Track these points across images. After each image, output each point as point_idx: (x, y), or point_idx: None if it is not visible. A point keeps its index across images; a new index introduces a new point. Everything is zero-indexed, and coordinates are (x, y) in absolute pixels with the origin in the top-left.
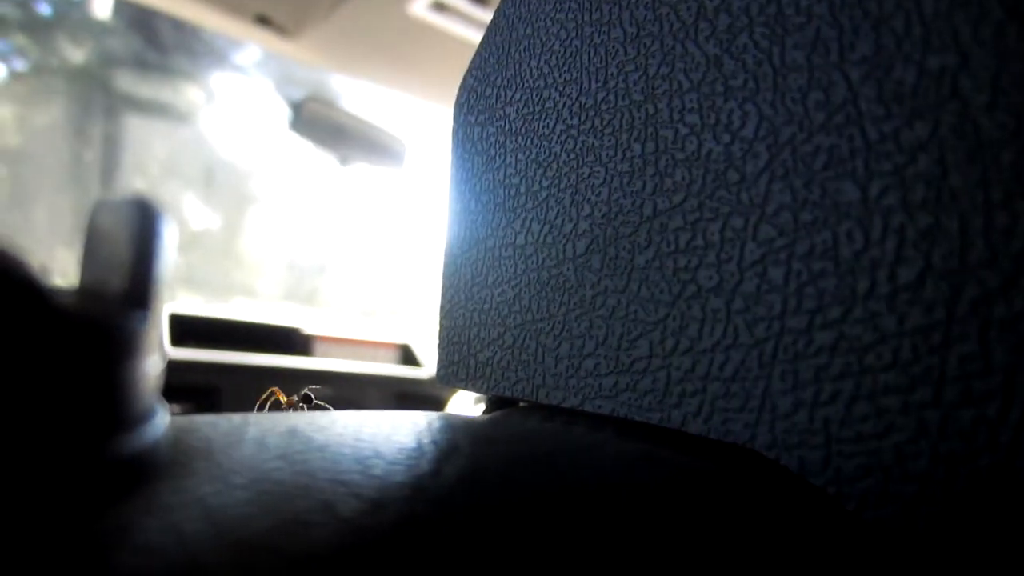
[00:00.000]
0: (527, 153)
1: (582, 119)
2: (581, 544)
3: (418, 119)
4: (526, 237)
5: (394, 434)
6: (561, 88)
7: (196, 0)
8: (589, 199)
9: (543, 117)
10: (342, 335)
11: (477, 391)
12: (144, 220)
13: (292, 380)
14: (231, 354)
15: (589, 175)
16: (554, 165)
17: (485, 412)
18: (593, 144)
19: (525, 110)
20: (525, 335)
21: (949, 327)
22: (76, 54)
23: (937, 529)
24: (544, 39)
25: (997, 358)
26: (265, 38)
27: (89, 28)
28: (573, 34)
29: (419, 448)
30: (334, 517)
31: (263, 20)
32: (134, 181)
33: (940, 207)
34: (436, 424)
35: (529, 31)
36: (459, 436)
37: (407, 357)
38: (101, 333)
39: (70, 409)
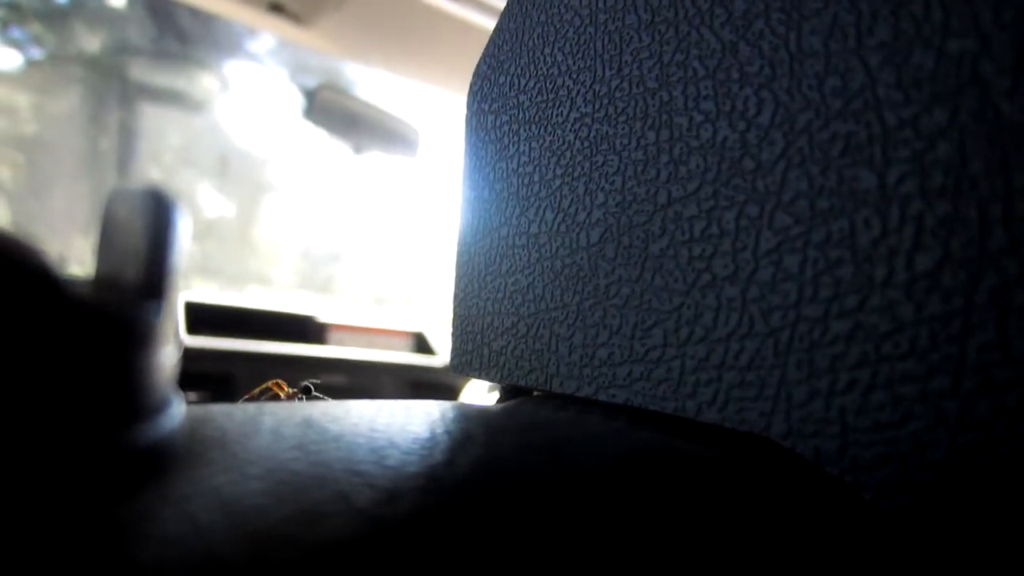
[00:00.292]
0: (540, 141)
1: (596, 107)
2: (594, 533)
3: (432, 107)
4: (540, 226)
5: (408, 424)
6: (575, 76)
7: None
8: (603, 187)
9: (557, 105)
10: (356, 323)
11: (491, 380)
12: (159, 209)
13: (306, 368)
14: (246, 342)
15: (603, 163)
16: (568, 153)
17: (499, 401)
18: (607, 132)
19: (539, 98)
20: (539, 324)
21: (968, 315)
22: (92, 42)
23: (955, 518)
24: (558, 26)
25: (1016, 347)
26: (279, 26)
27: (105, 16)
28: (587, 21)
29: (433, 438)
30: (349, 507)
31: (276, 8)
32: (149, 170)
33: (959, 194)
34: (450, 414)
35: (543, 18)
36: (473, 426)
37: (421, 345)
38: (117, 323)
39: (86, 399)
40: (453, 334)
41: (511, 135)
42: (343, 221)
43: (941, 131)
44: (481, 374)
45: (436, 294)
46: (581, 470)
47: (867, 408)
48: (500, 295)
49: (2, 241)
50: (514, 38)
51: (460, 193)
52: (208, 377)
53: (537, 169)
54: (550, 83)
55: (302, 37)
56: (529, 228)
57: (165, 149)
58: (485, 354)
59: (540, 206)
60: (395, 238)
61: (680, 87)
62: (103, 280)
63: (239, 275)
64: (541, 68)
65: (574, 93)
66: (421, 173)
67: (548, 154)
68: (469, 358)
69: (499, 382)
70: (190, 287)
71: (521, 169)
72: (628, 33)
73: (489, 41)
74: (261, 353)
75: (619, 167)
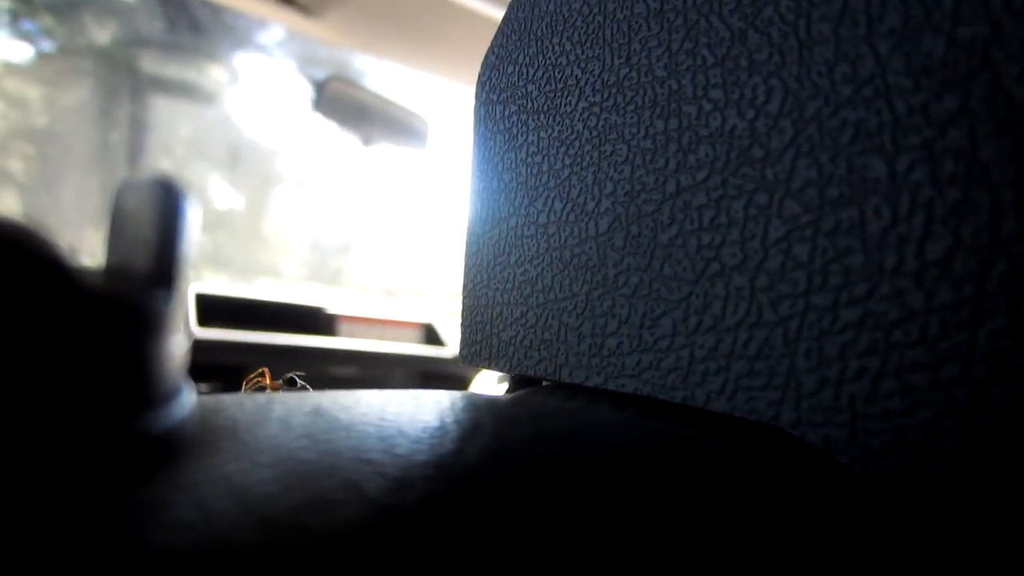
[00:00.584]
0: (549, 131)
1: (604, 96)
2: (603, 522)
3: (441, 98)
4: (548, 216)
5: (418, 413)
6: (583, 65)
7: None
8: (612, 177)
9: (565, 94)
10: (366, 314)
11: (500, 370)
12: (168, 200)
13: (316, 360)
14: (256, 334)
15: (612, 153)
16: (576, 143)
17: (508, 391)
18: (616, 121)
19: (547, 87)
20: (548, 314)
21: (978, 303)
22: (102, 35)
23: (965, 507)
24: (566, 15)
25: None
26: (288, 17)
27: (115, 9)
28: (596, 9)
29: (442, 427)
30: (359, 495)
31: None
32: (160, 162)
33: (970, 181)
34: (459, 403)
35: (551, 7)
36: (482, 415)
37: (430, 336)
38: (127, 312)
39: (98, 388)
40: (462, 324)
41: (520, 125)
42: (352, 213)
43: (952, 118)
44: (490, 364)
45: (445, 285)
46: (590, 459)
47: (877, 396)
48: (509, 285)
49: (15, 232)
50: (523, 27)
51: (469, 184)
52: (218, 368)
53: (546, 159)
54: (559, 72)
55: (311, 28)
56: (538, 218)
57: (175, 141)
58: (494, 344)
59: (549, 196)
60: (404, 230)
61: (689, 75)
62: (114, 270)
63: (249, 267)
64: (550, 57)
65: (583, 82)
66: (430, 164)
67: (557, 144)
68: (478, 348)
69: (508, 372)
70: (200, 279)
71: (530, 159)
72: (637, 22)
73: (498, 31)
74: (271, 345)
75: (628, 156)
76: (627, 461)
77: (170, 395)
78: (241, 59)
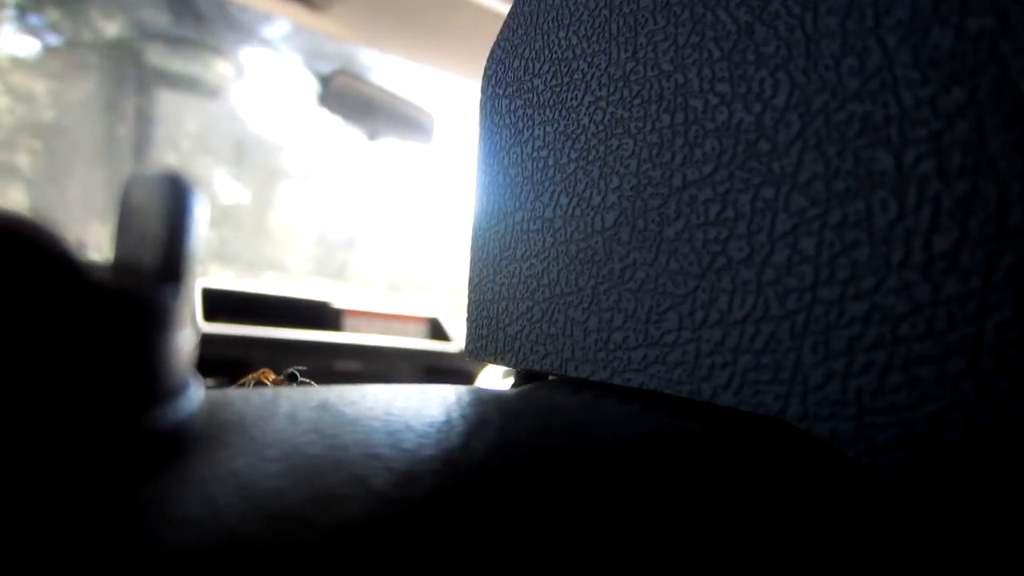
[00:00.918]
0: (555, 125)
1: (611, 90)
2: (610, 516)
3: (446, 93)
4: (554, 210)
5: (424, 408)
6: (590, 59)
7: None
8: (618, 171)
9: (571, 89)
10: (371, 309)
11: (506, 365)
12: (176, 195)
13: (322, 354)
14: (262, 328)
15: (618, 147)
16: (582, 137)
17: (514, 386)
18: (622, 115)
19: (553, 82)
20: (554, 308)
21: (985, 296)
22: (109, 29)
23: (972, 500)
24: (573, 9)
25: None
26: (293, 11)
27: (121, 3)
28: (602, 3)
29: (449, 422)
30: (366, 490)
31: None
32: (166, 156)
33: (977, 174)
34: (465, 398)
35: (557, 1)
36: (488, 409)
37: (436, 331)
38: (135, 306)
39: (106, 383)
40: (468, 319)
41: (525, 119)
42: (358, 208)
43: (959, 111)
44: (496, 359)
45: (451, 280)
46: (596, 453)
47: (883, 390)
48: (515, 280)
49: (23, 226)
50: (528, 21)
51: (474, 178)
52: (225, 363)
53: (552, 153)
54: (564, 66)
55: (317, 23)
56: (544, 212)
57: (181, 135)
58: (500, 339)
59: (555, 190)
60: (410, 224)
61: (695, 69)
62: (121, 265)
63: (255, 261)
64: (556, 51)
65: (589, 76)
66: (436, 159)
67: (563, 138)
68: (484, 343)
69: (514, 367)
70: (207, 274)
71: (536, 153)
72: (643, 15)
73: (503, 25)
74: (277, 339)
75: (634, 150)
76: (633, 456)
77: (178, 390)
78: (247, 53)
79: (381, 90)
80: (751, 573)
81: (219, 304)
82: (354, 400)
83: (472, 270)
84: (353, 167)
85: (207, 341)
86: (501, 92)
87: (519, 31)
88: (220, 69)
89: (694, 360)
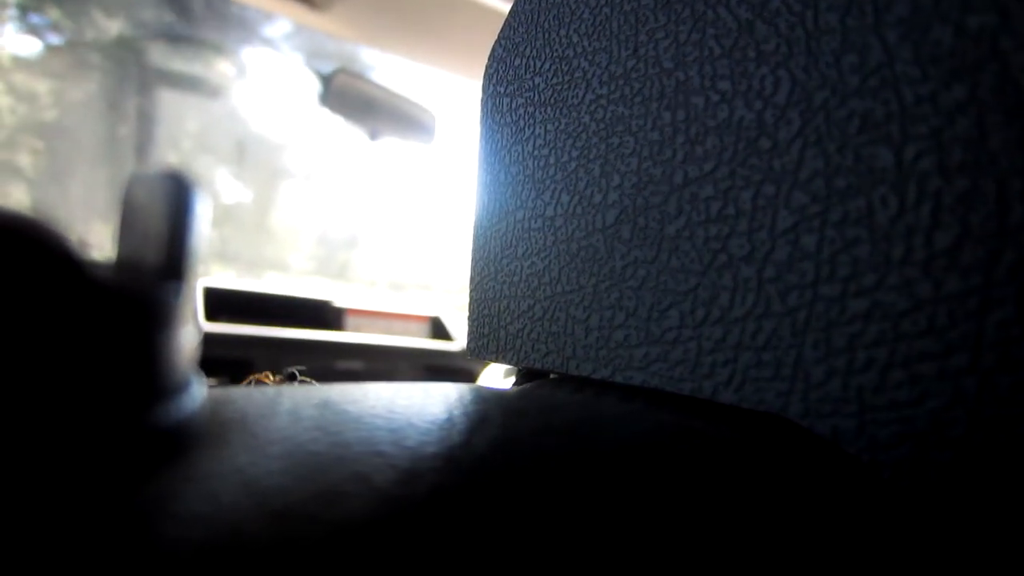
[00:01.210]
0: (556, 124)
1: (612, 88)
2: (612, 515)
3: (448, 92)
4: (555, 208)
5: (426, 406)
6: (590, 57)
7: None
8: (619, 169)
9: (572, 87)
10: (373, 308)
11: (507, 363)
12: (178, 194)
13: (323, 353)
14: (263, 328)
15: (619, 145)
16: (583, 135)
17: (516, 384)
18: (623, 113)
19: (554, 80)
20: (555, 307)
21: (986, 292)
22: (110, 28)
23: (974, 497)
24: (573, 7)
25: None
26: (294, 11)
27: (122, 2)
28: (603, 1)
29: (451, 420)
30: (369, 487)
31: None
32: (167, 156)
33: (978, 170)
34: (467, 396)
35: None
36: (490, 407)
37: (437, 330)
38: (138, 305)
39: (109, 380)
40: (469, 318)
41: (526, 118)
42: (359, 207)
43: (960, 107)
44: (498, 357)
45: (452, 279)
46: (598, 451)
47: (885, 387)
48: (516, 278)
49: (26, 225)
50: (529, 20)
51: (476, 177)
52: (226, 363)
53: (553, 152)
54: (565, 65)
55: (318, 22)
56: (545, 211)
57: (183, 135)
58: (501, 337)
59: (556, 189)
60: (411, 224)
61: (696, 67)
62: (124, 263)
63: (256, 261)
64: (556, 50)
65: (589, 74)
66: (437, 158)
67: (564, 136)
68: (485, 341)
69: (516, 365)
70: (208, 273)
71: (536, 152)
72: (644, 13)
73: (504, 24)
74: (279, 339)
75: (635, 148)
76: (635, 453)
77: (180, 387)
78: (248, 53)
79: (382, 89)
80: (753, 570)
81: (221, 304)
82: (356, 398)
83: (473, 269)
84: (354, 166)
85: (209, 341)
86: (502, 90)
87: (520, 29)
88: (221, 68)
89: (695, 357)
